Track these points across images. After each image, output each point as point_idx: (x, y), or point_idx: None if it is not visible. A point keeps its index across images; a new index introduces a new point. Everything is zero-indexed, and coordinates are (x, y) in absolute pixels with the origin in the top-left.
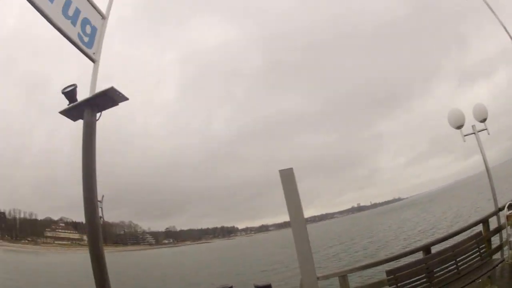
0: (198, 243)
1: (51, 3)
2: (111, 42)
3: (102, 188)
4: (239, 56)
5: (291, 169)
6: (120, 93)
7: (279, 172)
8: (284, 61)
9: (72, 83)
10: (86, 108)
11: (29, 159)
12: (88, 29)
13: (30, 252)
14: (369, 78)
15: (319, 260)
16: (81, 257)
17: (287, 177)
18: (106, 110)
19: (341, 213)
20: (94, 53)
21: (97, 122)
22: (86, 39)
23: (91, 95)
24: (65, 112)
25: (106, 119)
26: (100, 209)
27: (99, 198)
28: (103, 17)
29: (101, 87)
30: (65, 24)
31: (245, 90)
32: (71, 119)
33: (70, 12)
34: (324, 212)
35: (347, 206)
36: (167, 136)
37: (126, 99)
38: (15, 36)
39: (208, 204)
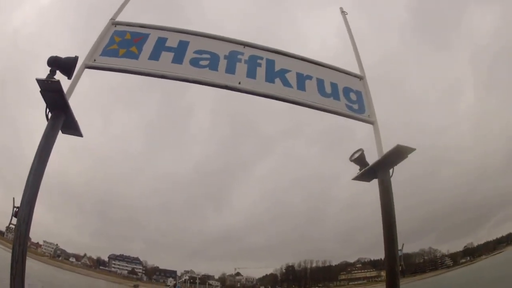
0: (492, 255)
1: (304, 91)
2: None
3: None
4: None
5: None
6: (407, 147)
7: None
8: None
9: (357, 150)
10: (379, 170)
11: (335, 209)
12: (353, 96)
13: None
14: None
15: None
16: None
17: None
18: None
19: None
20: (369, 116)
21: (391, 178)
22: (356, 107)
23: (380, 157)
24: (359, 177)
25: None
26: (400, 257)
27: (399, 246)
28: (360, 78)
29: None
30: (329, 102)
31: None
32: (366, 181)
33: (328, 90)
34: None
35: None
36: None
37: (413, 150)
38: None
39: None
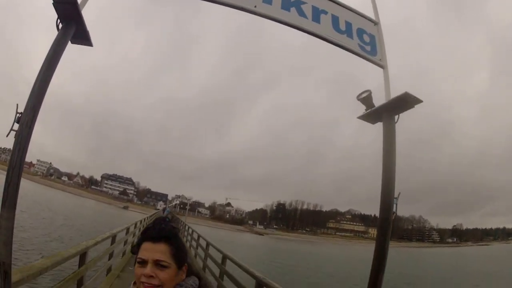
0: (478, 245)
1: (319, 23)
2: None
3: (398, 186)
4: None
5: None
6: (414, 97)
7: None
8: None
9: (365, 90)
10: (384, 113)
11: (334, 155)
12: (366, 38)
13: (304, 242)
14: None
15: None
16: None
17: None
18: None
19: None
20: (380, 60)
21: (396, 125)
22: (368, 48)
23: (387, 101)
24: (364, 117)
25: (405, 121)
26: (395, 205)
27: (395, 195)
28: (375, 23)
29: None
30: (342, 39)
31: None
32: (370, 123)
33: (342, 27)
34: None
35: None
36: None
37: (420, 101)
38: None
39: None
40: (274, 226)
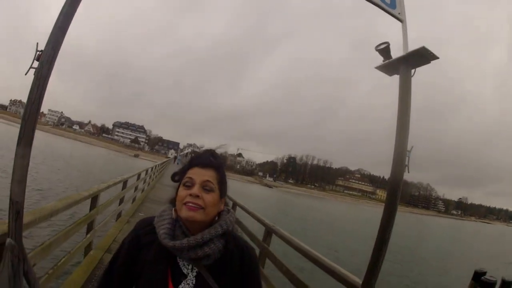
0: (481, 221)
1: None
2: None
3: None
4: None
5: None
6: (431, 52)
7: None
8: None
9: (384, 41)
10: (401, 65)
11: (345, 113)
12: None
13: (313, 197)
14: None
15: None
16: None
17: None
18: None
19: None
20: (399, 13)
21: (412, 78)
22: (388, 1)
23: (404, 53)
24: (382, 68)
25: (422, 75)
26: (407, 158)
27: (408, 148)
28: None
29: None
30: None
31: None
32: (387, 74)
33: None
34: None
35: None
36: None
37: (437, 57)
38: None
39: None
40: (285, 179)
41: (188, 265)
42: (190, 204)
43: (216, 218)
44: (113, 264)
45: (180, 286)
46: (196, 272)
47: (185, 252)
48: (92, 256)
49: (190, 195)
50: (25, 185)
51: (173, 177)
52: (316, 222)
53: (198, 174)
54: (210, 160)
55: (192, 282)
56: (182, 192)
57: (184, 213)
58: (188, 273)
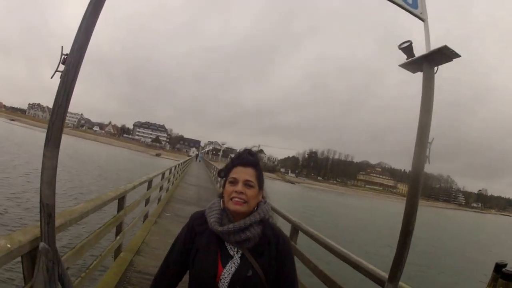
0: (501, 214)
1: None
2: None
3: (436, 135)
4: None
5: None
6: (453, 50)
7: None
8: None
9: (406, 40)
10: (424, 63)
11: (370, 105)
12: None
13: (335, 193)
14: None
15: None
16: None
17: None
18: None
19: None
20: (421, 13)
21: (435, 75)
22: (410, 1)
23: (427, 52)
24: (405, 66)
25: (448, 70)
26: (428, 150)
27: (429, 140)
28: None
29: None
30: None
31: None
32: (411, 72)
33: None
34: None
35: None
36: None
37: (458, 56)
38: None
39: None
40: (307, 175)
41: (234, 248)
42: (236, 199)
43: (256, 208)
44: (172, 251)
45: (228, 265)
46: (241, 253)
47: (232, 235)
48: (122, 258)
49: (236, 191)
50: (55, 187)
51: (219, 174)
52: (345, 218)
53: (241, 173)
54: (249, 159)
55: (237, 262)
56: (229, 188)
57: (231, 206)
58: (234, 255)
